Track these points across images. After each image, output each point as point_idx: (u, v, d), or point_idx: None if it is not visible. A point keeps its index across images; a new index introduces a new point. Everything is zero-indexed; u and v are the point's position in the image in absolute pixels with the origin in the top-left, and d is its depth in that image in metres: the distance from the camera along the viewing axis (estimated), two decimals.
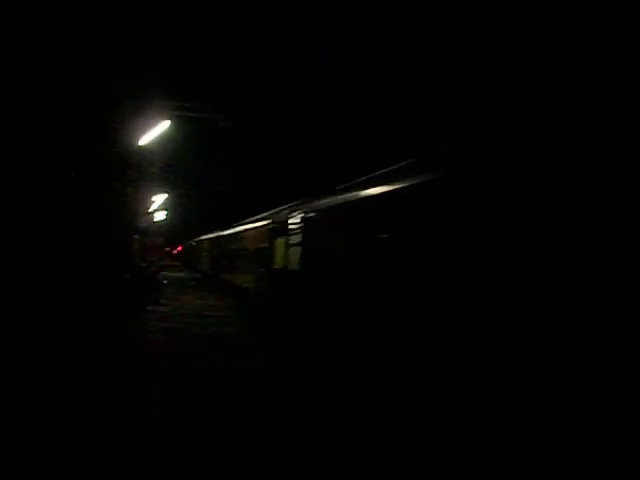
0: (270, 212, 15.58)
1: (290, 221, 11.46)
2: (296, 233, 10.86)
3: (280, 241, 12.20)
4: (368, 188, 7.74)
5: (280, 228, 12.30)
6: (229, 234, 22.66)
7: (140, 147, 12.12)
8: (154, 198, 21.62)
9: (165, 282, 21.29)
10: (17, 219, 6.38)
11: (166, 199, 25.15)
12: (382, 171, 8.09)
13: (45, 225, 6.93)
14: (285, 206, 13.72)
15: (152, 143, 12.47)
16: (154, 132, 11.61)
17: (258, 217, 17.37)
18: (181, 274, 36.66)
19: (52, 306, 6.97)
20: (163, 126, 11.55)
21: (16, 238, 6.31)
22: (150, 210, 22.80)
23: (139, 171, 13.32)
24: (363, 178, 8.87)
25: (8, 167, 6.27)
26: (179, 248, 64.70)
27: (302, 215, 10.65)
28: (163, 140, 13.36)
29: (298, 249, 10.60)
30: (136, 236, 15.29)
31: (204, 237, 33.62)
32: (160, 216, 27.12)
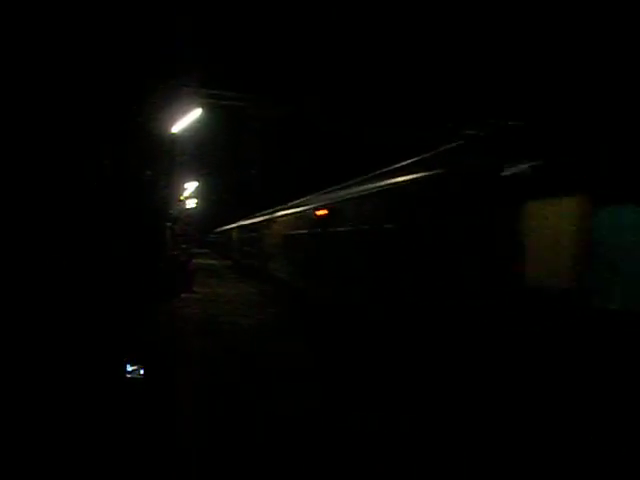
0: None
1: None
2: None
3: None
4: None
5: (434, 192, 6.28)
6: (288, 214, 15.83)
7: (172, 135, 12.16)
8: (185, 186, 21.81)
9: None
10: (55, 214, 6.45)
11: (196, 187, 25.38)
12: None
13: (80, 216, 6.99)
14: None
15: (184, 131, 12.49)
16: (186, 120, 11.62)
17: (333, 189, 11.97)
18: (213, 261, 37.14)
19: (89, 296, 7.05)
20: (195, 114, 11.54)
21: (53, 234, 6.38)
22: (181, 198, 23.00)
23: (171, 159, 13.37)
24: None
25: (46, 161, 6.31)
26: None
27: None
28: (194, 128, 13.37)
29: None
30: (168, 224, 15.41)
31: (243, 223, 30.05)
32: (191, 204, 27.35)
